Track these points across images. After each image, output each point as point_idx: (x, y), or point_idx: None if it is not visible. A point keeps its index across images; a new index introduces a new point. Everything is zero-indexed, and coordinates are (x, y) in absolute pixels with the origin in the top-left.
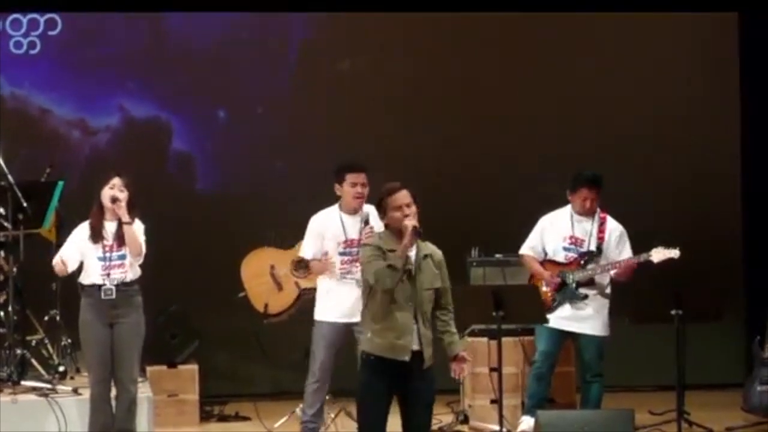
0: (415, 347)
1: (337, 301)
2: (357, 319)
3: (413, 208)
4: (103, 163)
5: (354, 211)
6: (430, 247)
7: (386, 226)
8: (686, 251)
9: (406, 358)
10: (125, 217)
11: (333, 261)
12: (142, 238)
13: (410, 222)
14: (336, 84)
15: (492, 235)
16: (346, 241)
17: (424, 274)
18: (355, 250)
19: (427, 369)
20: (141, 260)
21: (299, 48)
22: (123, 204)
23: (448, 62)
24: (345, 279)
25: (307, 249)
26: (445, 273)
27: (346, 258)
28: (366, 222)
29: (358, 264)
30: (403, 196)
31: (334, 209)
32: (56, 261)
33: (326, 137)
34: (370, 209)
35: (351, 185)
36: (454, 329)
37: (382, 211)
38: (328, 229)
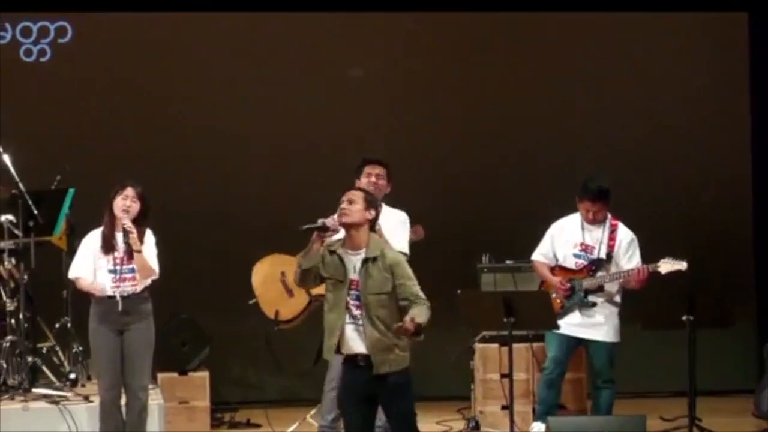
0: (362, 350)
1: None
2: None
3: (354, 207)
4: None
5: None
6: (383, 252)
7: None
8: (697, 256)
9: (330, 358)
10: (137, 246)
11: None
12: (153, 251)
13: (324, 219)
14: (346, 88)
15: (502, 241)
16: None
17: (372, 279)
18: None
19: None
20: (155, 277)
21: (311, 51)
22: (134, 235)
23: (459, 65)
24: None
25: None
26: (403, 272)
27: None
28: None
29: None
30: (350, 192)
31: None
32: (75, 277)
33: (338, 142)
34: (394, 213)
35: (366, 176)
36: (413, 308)
37: None
38: None
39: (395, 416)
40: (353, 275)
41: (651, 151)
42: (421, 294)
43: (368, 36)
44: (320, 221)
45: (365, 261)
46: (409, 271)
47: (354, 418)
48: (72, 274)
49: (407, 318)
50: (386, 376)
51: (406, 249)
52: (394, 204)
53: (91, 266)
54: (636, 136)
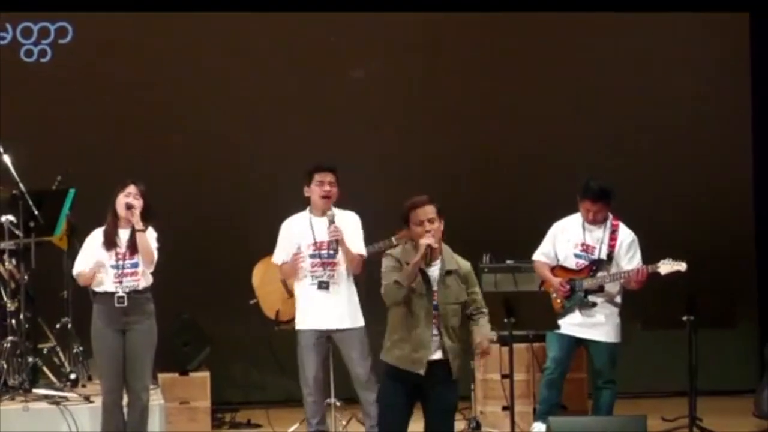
0: (437, 356)
1: (315, 308)
2: (337, 326)
3: (435, 225)
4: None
5: (323, 212)
6: (457, 262)
7: (410, 239)
8: (698, 256)
9: (422, 371)
10: (139, 225)
11: (303, 256)
12: (154, 245)
13: (425, 241)
14: (347, 89)
15: (503, 241)
16: (315, 243)
17: (449, 290)
18: (324, 252)
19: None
20: (153, 268)
21: (311, 52)
22: (137, 211)
23: (459, 66)
24: (321, 285)
25: (277, 254)
26: (474, 281)
27: (316, 260)
28: (331, 221)
29: (331, 267)
30: (426, 211)
31: (304, 213)
32: (78, 273)
33: (338, 143)
34: (350, 215)
35: (318, 184)
36: (480, 321)
37: (406, 224)
38: (297, 233)
39: (441, 410)
40: (435, 287)
41: (652, 151)
42: (483, 302)
43: (368, 36)
44: (427, 243)
45: (446, 273)
46: (475, 278)
47: (400, 418)
48: (75, 270)
49: (481, 340)
50: (441, 381)
51: (362, 250)
52: (395, 203)
53: (92, 262)
54: (637, 137)
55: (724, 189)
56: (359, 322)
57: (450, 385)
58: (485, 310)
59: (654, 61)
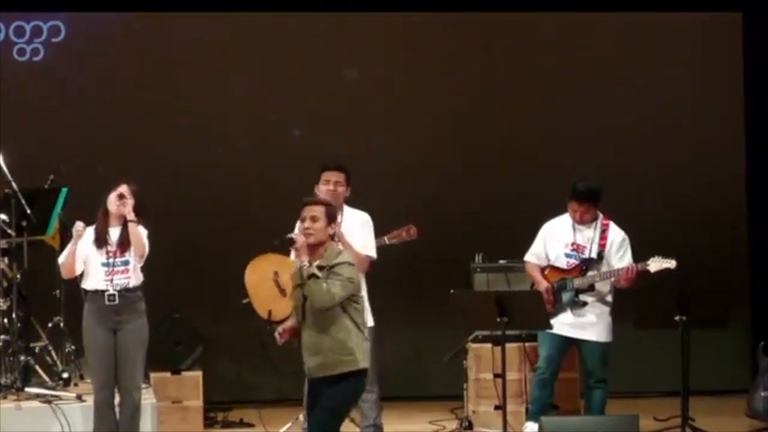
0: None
1: None
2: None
3: (317, 225)
4: None
5: None
6: (335, 259)
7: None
8: (692, 257)
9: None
10: (130, 215)
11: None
12: (145, 241)
13: (291, 235)
14: (343, 89)
15: (496, 241)
16: None
17: (307, 285)
18: None
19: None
20: (143, 262)
21: (306, 53)
22: (129, 202)
23: (451, 66)
24: None
25: None
26: (337, 270)
27: None
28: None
29: None
30: (306, 209)
31: None
32: (62, 261)
33: (335, 142)
34: (356, 214)
35: (324, 183)
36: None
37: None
38: None
39: (319, 408)
40: (303, 290)
41: (646, 152)
42: (334, 289)
43: (368, 36)
44: (288, 236)
45: (311, 275)
46: (346, 272)
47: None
48: (60, 259)
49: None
50: (322, 380)
51: (369, 250)
52: (389, 202)
53: (79, 255)
54: (631, 137)
55: (719, 189)
56: (370, 321)
57: (328, 386)
58: (326, 285)
59: (652, 61)
